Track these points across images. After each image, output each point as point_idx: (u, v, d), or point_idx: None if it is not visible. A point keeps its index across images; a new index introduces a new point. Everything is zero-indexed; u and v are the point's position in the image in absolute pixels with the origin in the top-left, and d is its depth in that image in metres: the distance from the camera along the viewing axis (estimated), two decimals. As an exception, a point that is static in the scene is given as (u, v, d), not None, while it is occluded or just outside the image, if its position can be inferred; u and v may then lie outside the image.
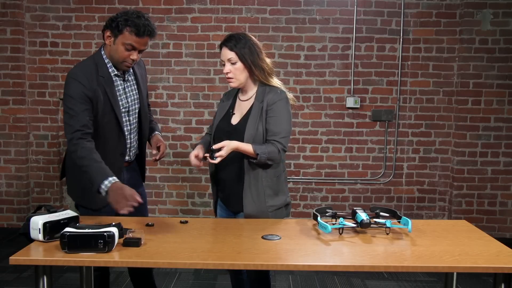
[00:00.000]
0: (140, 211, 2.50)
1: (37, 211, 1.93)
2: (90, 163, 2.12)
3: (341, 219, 2.00)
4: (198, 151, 2.26)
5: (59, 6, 4.48)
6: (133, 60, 2.24)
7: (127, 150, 2.40)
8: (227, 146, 2.09)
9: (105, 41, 2.26)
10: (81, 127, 2.16)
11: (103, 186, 2.05)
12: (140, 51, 2.25)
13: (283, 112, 2.21)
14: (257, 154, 2.12)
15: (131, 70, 2.41)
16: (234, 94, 2.39)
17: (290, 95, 2.29)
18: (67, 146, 2.25)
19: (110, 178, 2.07)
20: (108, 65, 2.29)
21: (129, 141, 2.39)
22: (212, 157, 2.08)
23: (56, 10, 4.48)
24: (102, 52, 2.30)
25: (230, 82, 2.24)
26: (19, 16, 4.42)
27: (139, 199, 2.00)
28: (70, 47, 4.52)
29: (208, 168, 2.45)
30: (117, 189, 2.03)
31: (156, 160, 2.47)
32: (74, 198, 2.42)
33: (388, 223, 1.97)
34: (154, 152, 2.46)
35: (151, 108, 2.82)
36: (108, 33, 2.22)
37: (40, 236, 1.78)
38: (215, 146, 2.09)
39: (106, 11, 4.43)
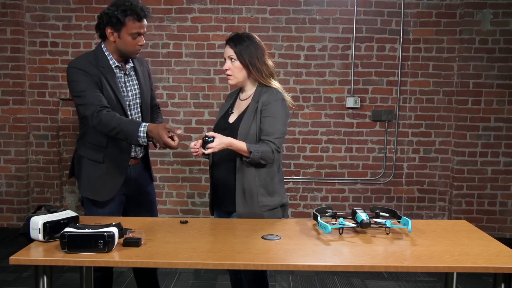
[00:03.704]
0: (149, 210, 2.51)
1: (37, 211, 1.93)
2: (118, 122, 2.19)
3: (341, 219, 2.00)
4: (199, 140, 2.23)
5: (59, 6, 4.47)
6: (141, 45, 2.32)
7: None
8: (219, 139, 2.10)
9: (107, 38, 2.29)
10: (97, 103, 2.21)
11: (141, 131, 2.17)
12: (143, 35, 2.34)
13: (278, 113, 2.22)
14: (250, 152, 2.12)
15: (132, 65, 2.43)
16: (236, 93, 2.42)
17: (288, 98, 2.30)
18: (90, 122, 2.24)
19: (143, 123, 2.20)
20: (108, 57, 2.32)
21: None
22: (204, 147, 2.11)
23: (56, 10, 4.48)
24: (102, 45, 2.33)
25: (228, 79, 2.29)
26: (19, 16, 4.42)
27: (178, 131, 2.18)
28: (70, 47, 4.52)
29: (207, 168, 2.45)
30: (154, 127, 2.18)
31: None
32: (82, 191, 2.39)
33: (388, 223, 1.97)
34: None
35: (161, 108, 2.79)
36: (109, 30, 2.27)
37: (40, 236, 1.77)
38: (208, 133, 2.11)
39: (106, 11, 4.42)
